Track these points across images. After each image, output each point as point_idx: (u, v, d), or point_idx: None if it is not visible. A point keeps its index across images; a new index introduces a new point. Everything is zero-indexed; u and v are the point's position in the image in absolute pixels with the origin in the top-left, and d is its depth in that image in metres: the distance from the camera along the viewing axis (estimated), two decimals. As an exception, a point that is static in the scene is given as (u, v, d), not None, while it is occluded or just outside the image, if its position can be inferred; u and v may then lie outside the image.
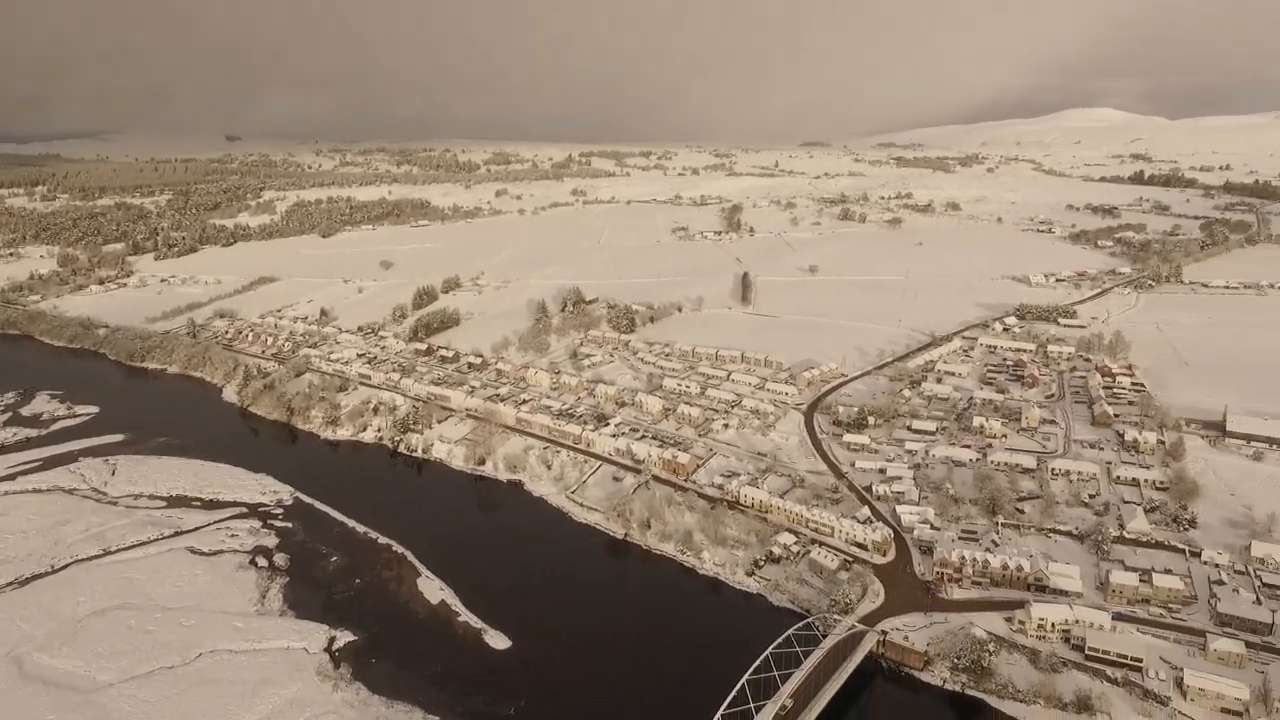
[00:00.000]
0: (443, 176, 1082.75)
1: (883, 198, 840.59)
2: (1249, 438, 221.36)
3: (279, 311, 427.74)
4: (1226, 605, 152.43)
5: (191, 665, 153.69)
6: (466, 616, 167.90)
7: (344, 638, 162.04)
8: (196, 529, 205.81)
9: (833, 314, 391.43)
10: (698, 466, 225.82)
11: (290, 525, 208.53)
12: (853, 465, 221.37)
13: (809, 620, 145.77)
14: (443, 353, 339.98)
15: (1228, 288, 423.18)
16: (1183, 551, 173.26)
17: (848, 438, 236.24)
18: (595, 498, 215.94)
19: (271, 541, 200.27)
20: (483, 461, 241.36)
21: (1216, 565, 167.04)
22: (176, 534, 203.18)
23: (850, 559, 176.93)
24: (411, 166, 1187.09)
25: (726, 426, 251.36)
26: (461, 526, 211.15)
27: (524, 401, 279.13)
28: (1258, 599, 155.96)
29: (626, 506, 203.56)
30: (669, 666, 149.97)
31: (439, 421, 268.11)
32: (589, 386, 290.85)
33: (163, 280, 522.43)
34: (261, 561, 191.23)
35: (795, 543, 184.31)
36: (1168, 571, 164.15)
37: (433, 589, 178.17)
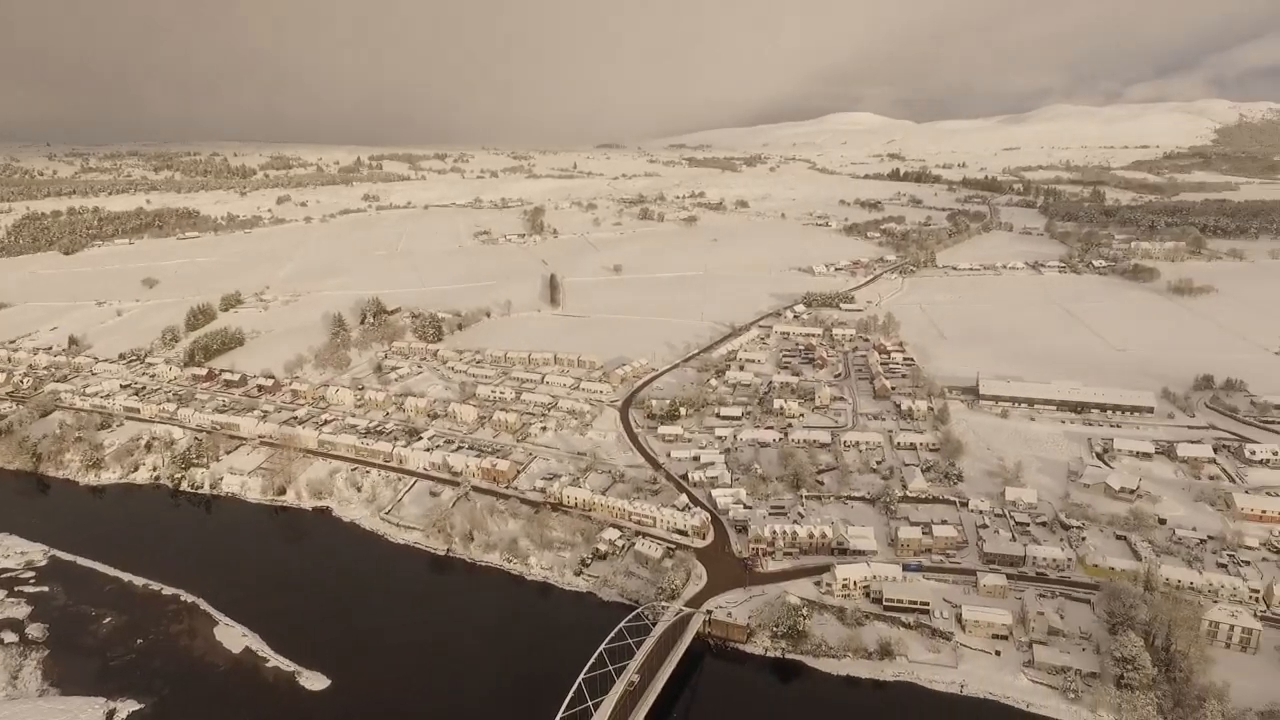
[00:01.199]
0: (212, 183, 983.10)
1: (678, 197, 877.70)
2: (997, 398, 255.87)
3: (12, 343, 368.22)
4: (990, 545, 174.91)
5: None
6: (276, 661, 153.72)
7: (127, 708, 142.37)
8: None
9: (640, 311, 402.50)
10: (518, 472, 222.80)
11: (46, 589, 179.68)
12: (668, 455, 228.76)
13: (639, 611, 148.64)
14: (227, 376, 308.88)
15: (972, 269, 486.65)
16: (954, 503, 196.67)
17: (662, 429, 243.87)
18: (413, 516, 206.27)
19: (21, 611, 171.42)
20: (283, 491, 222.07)
21: (980, 512, 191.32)
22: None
23: (673, 546, 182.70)
24: (173, 172, 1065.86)
25: (544, 429, 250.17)
26: (263, 564, 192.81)
27: (326, 422, 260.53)
28: (1013, 536, 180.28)
29: (447, 521, 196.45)
30: (505, 679, 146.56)
31: (228, 452, 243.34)
32: (397, 401, 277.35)
33: None
34: (9, 636, 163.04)
35: (620, 537, 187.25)
36: (944, 522, 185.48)
37: (234, 637, 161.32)
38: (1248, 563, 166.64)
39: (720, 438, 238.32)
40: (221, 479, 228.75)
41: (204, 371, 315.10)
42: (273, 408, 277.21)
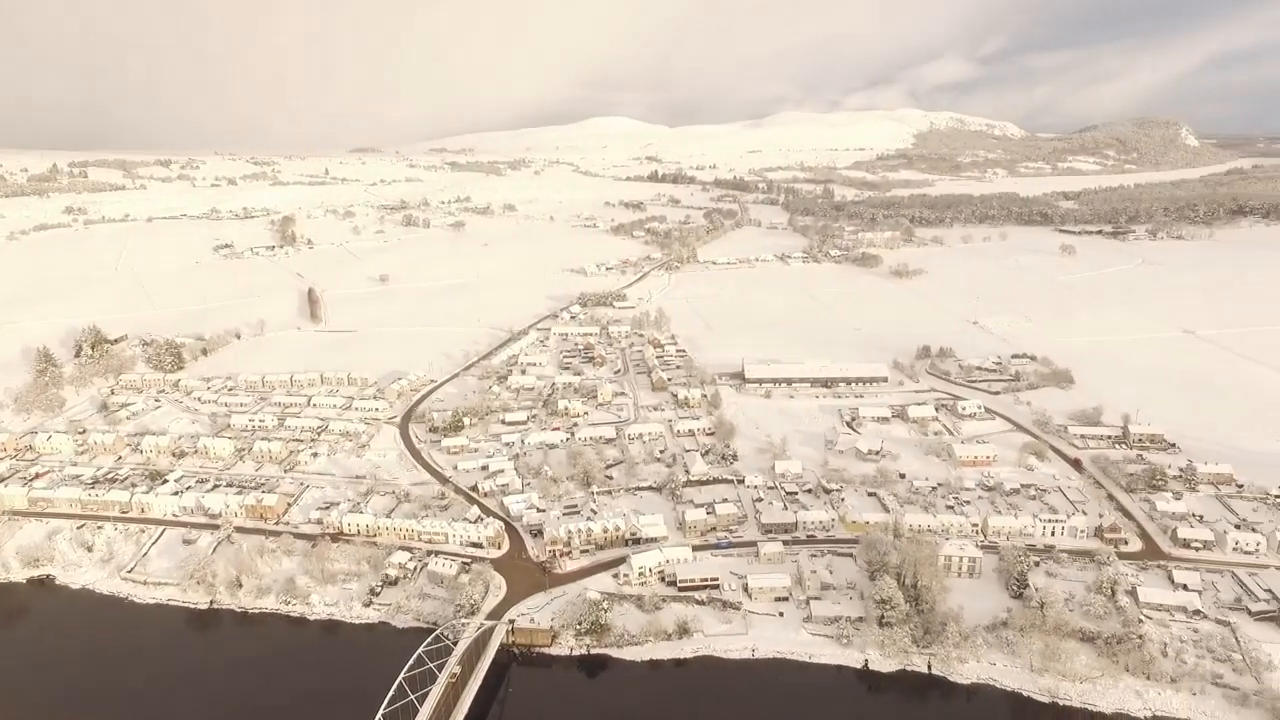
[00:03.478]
0: None
1: (443, 202, 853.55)
2: (760, 381, 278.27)
3: None
4: (766, 516, 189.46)
5: None
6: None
7: None
8: None
9: (412, 321, 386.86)
10: (289, 505, 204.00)
11: None
12: (455, 468, 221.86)
13: (438, 632, 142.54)
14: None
15: (730, 263, 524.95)
16: (732, 481, 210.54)
17: (446, 442, 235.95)
18: (163, 570, 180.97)
19: None
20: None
21: (755, 486, 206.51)
22: None
23: (468, 560, 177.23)
24: None
25: (316, 455, 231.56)
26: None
27: (37, 476, 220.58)
28: (785, 506, 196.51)
29: (207, 570, 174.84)
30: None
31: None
32: (132, 442, 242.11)
33: None
34: None
35: (410, 559, 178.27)
36: (724, 501, 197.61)
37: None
38: (968, 502, 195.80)
39: (508, 444, 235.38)
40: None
41: None
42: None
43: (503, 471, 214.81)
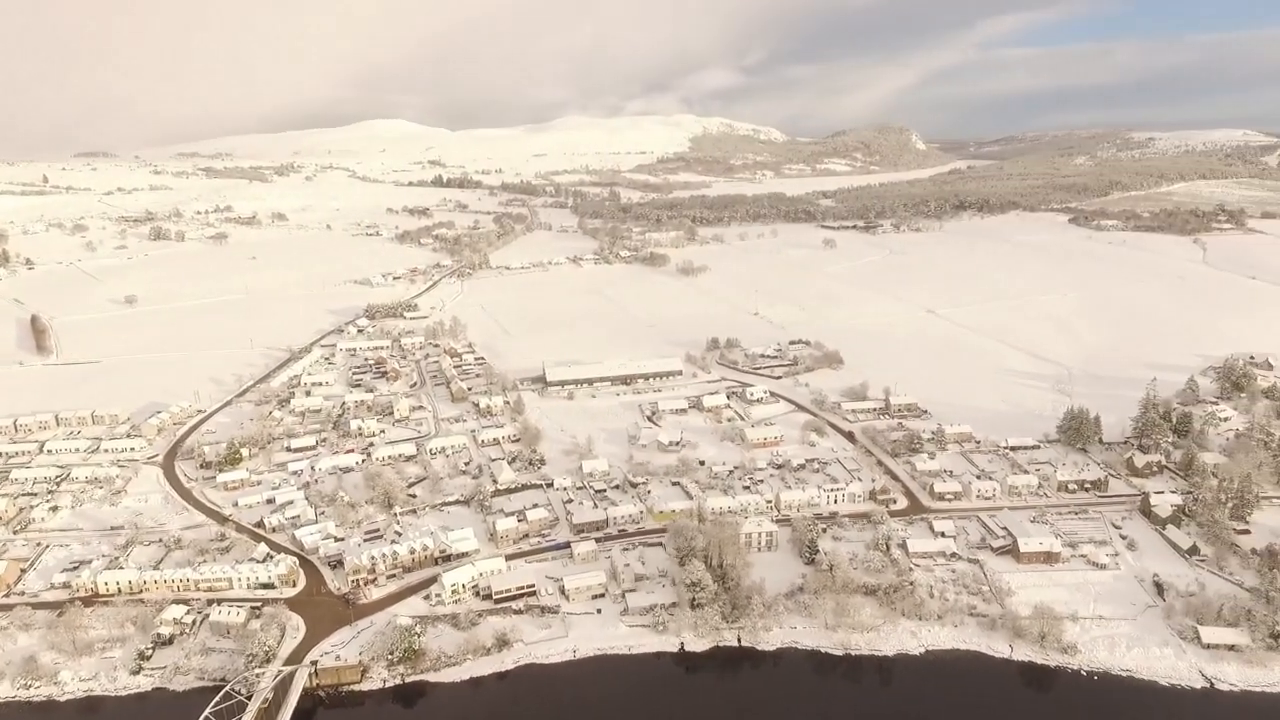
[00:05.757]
0: None
1: (199, 212, 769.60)
2: (562, 383, 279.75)
3: None
4: (578, 517, 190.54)
5: None
6: None
7: None
8: None
9: (171, 347, 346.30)
10: (22, 572, 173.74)
11: None
12: (236, 505, 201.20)
13: (228, 688, 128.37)
14: None
15: (523, 268, 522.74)
16: (541, 486, 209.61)
17: (222, 477, 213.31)
18: None
19: None
20: None
21: (564, 488, 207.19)
22: None
23: (258, 604, 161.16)
24: None
25: (56, 509, 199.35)
26: None
27: None
28: (594, 504, 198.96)
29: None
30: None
31: None
32: None
33: None
34: None
35: (188, 612, 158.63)
36: (535, 506, 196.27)
37: None
38: (762, 481, 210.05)
39: (295, 473, 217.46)
40: None
41: None
42: None
43: (292, 503, 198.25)
